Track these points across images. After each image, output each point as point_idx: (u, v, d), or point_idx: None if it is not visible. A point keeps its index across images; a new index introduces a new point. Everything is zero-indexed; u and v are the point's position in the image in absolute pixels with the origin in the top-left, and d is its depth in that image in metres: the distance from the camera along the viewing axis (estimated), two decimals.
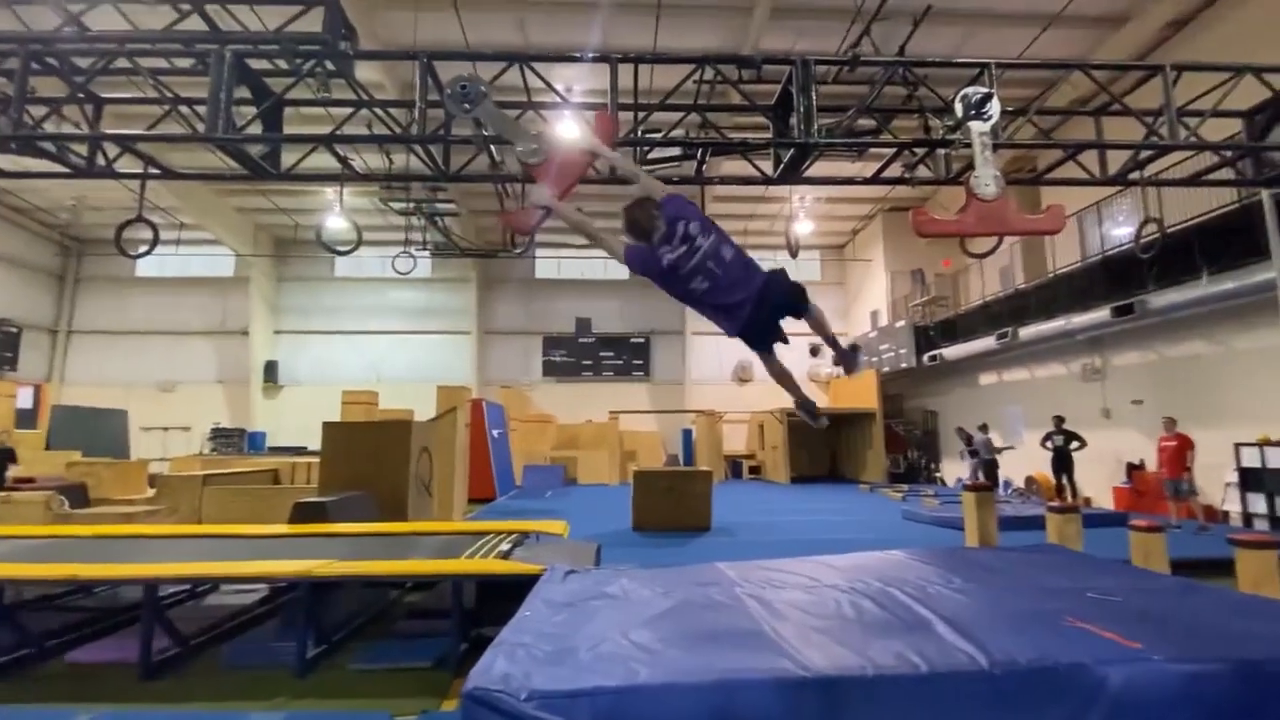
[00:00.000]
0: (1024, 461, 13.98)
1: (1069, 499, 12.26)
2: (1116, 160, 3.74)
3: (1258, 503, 9.27)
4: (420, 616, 4.97)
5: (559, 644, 2.43)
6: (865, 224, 21.54)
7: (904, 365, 18.05)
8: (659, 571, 3.71)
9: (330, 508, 6.14)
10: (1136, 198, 10.91)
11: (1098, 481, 12.36)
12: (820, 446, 20.87)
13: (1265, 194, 3.80)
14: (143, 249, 6.35)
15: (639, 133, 3.62)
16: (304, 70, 3.34)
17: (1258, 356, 9.52)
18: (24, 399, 16.62)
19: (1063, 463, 12.09)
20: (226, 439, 20.00)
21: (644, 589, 3.17)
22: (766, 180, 3.70)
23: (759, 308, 2.89)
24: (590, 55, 3.61)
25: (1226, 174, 3.98)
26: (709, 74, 3.76)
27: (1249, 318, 9.18)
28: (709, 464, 19.68)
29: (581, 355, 21.92)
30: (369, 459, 7.46)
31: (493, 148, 3.56)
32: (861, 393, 19.57)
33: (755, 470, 20.55)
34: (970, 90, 3.11)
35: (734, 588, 3.17)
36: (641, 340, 22.21)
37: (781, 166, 3.63)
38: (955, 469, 16.54)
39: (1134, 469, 11.87)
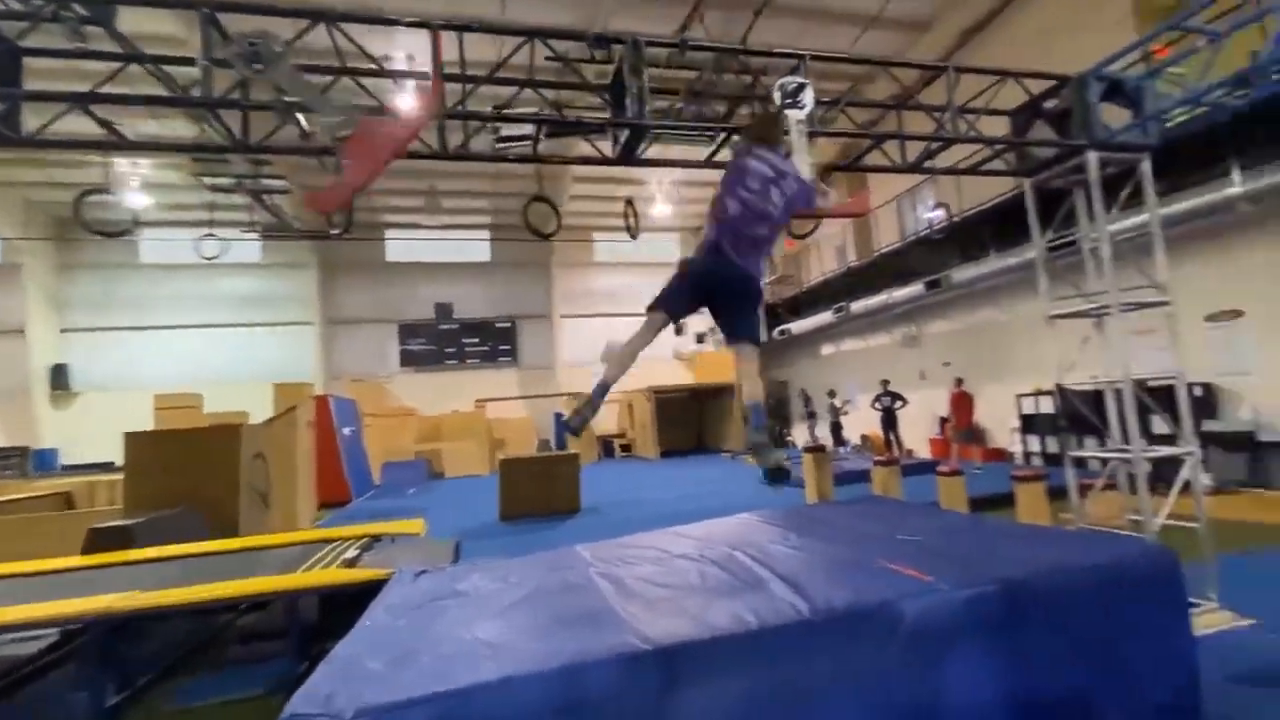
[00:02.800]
0: (863, 421, 15.60)
1: (895, 452, 13.92)
2: (915, 150, 4.20)
3: (1034, 443, 11.11)
4: (255, 640, 4.50)
5: (399, 651, 2.30)
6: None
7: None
8: (513, 561, 3.64)
9: (137, 531, 5.34)
10: (941, 185, 12.44)
11: (918, 435, 14.10)
12: (687, 421, 21.78)
13: (1026, 183, 4.44)
14: None
15: (464, 105, 3.43)
16: (43, 13, 2.74)
17: (1038, 321, 11.31)
18: None
19: (890, 420, 13.67)
20: (3, 460, 16.68)
21: (495, 582, 3.10)
22: (605, 160, 3.70)
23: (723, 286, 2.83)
24: (407, 20, 3.35)
25: (1000, 165, 4.61)
26: (551, 52, 3.66)
27: (1029, 288, 10.89)
28: (580, 446, 19.84)
29: (443, 343, 20.92)
30: (189, 471, 6.57)
31: (300, 117, 3.19)
32: (721, 368, 20.67)
33: (626, 448, 20.99)
34: (786, 80, 3.31)
35: (588, 569, 3.19)
36: (507, 325, 21.64)
37: (619, 147, 3.63)
38: (806, 433, 18.04)
39: (945, 421, 13.65)
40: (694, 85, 3.94)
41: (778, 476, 3.02)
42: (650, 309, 2.92)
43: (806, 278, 18.60)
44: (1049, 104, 4.28)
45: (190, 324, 19.00)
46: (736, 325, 2.93)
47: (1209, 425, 8.40)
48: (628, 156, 3.63)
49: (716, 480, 12.44)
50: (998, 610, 2.47)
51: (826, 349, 18.41)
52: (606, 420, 21.74)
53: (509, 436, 18.90)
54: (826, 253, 17.73)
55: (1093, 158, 3.99)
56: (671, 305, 2.89)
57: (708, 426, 21.56)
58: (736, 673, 2.18)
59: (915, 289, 12.72)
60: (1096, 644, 2.55)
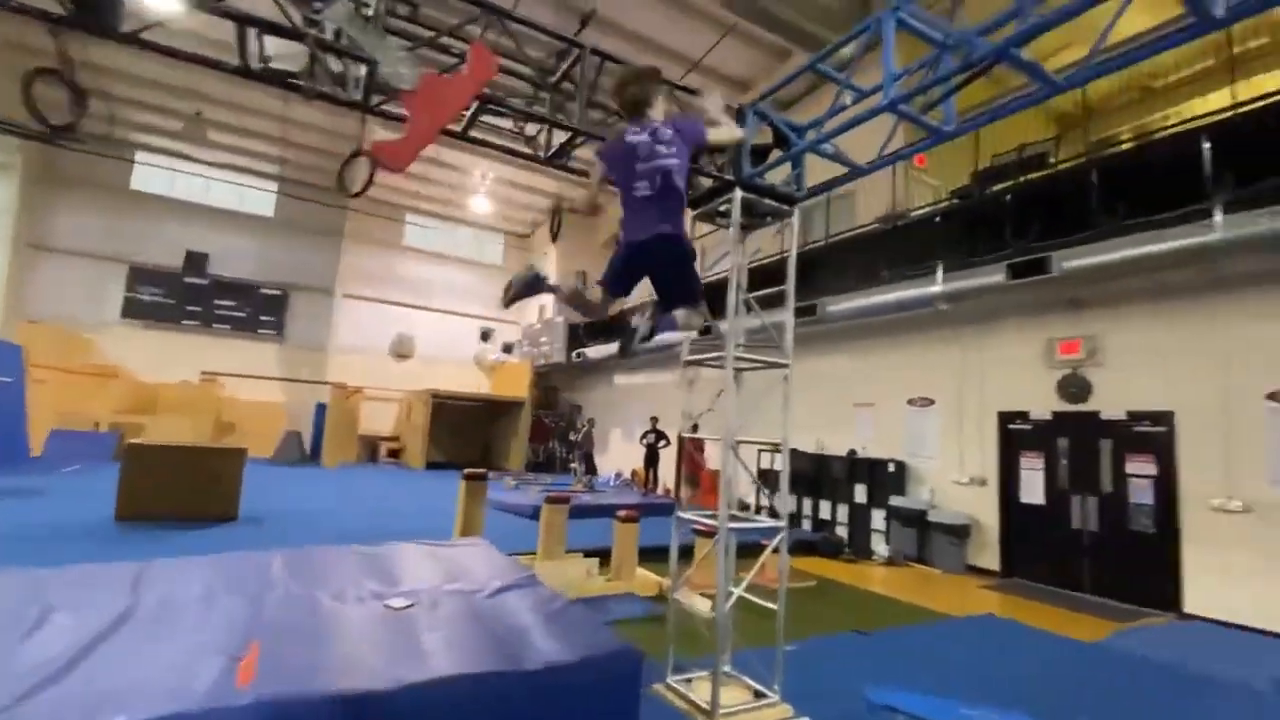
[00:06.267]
0: (638, 455, 15.39)
1: (654, 489, 13.82)
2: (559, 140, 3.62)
3: (767, 497, 11.43)
4: None
5: None
6: (547, 218, 21.81)
7: (556, 360, 18.62)
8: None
9: None
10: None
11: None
12: (473, 433, 20.36)
13: (690, 214, 4.05)
14: None
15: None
16: None
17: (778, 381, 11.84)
18: None
19: (652, 458, 13.56)
20: None
21: None
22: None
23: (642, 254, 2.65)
24: None
25: None
26: None
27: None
28: (340, 444, 17.52)
29: (187, 299, 17.54)
30: None
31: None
32: (520, 383, 19.67)
33: (395, 454, 19.02)
34: None
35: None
36: (277, 293, 18.79)
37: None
38: (600, 461, 17.48)
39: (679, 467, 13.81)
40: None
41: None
42: (599, 283, 2.75)
43: (620, 305, 18.36)
44: None
45: None
46: (672, 293, 2.80)
47: (896, 500, 9.04)
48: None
49: (437, 498, 11.23)
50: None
51: (619, 378, 18.22)
52: (381, 418, 19.62)
53: (245, 421, 16.15)
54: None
55: (737, 196, 3.68)
56: (613, 286, 2.72)
57: (497, 443, 20.28)
58: None
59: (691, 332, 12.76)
60: None
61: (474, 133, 3.70)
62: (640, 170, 2.67)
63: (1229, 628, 5.92)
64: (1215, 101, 7.59)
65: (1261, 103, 6.07)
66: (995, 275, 7.34)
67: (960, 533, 8.19)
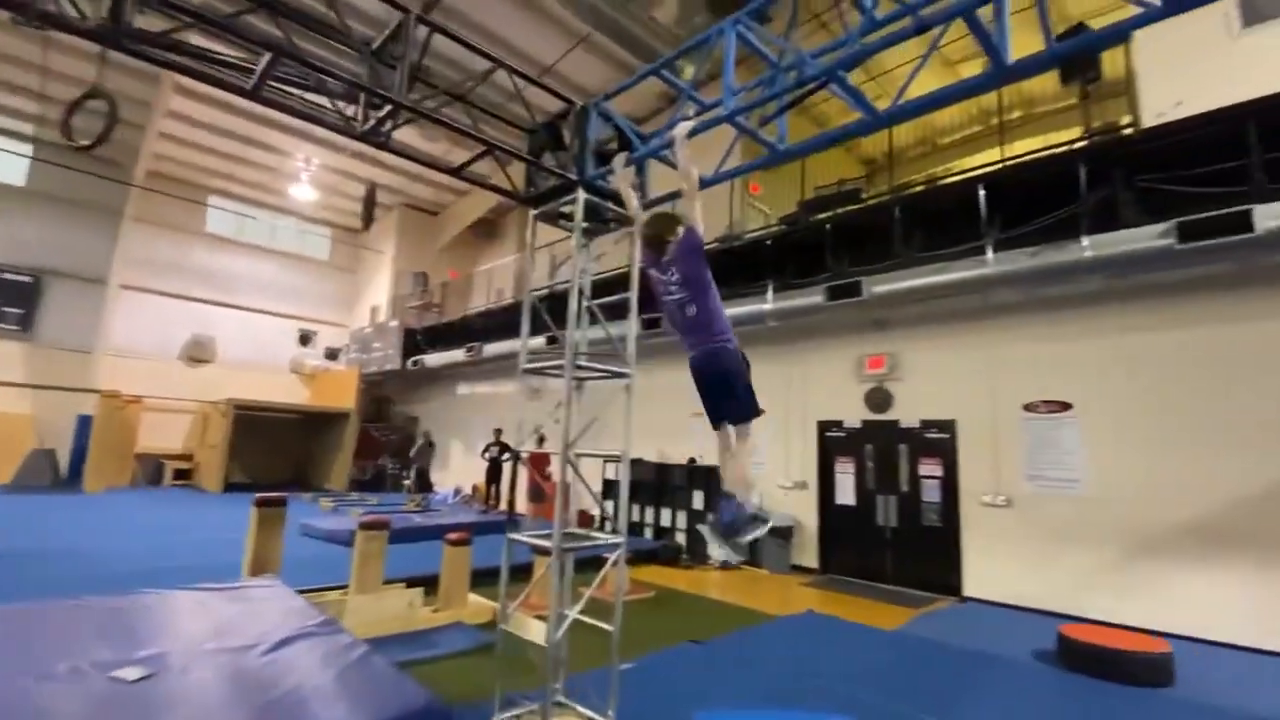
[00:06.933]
0: (481, 470, 14.59)
1: (497, 505, 13.19)
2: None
3: (611, 508, 11.40)
4: None
5: None
6: (383, 214, 20.19)
7: (390, 367, 17.17)
8: None
9: None
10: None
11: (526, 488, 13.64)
12: (286, 449, 18.07)
13: (531, 213, 3.80)
14: None
15: None
16: None
17: (645, 387, 11.97)
18: None
19: (495, 472, 12.95)
20: None
21: None
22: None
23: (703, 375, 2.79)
24: None
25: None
26: None
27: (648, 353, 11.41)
28: (109, 464, 14.52)
29: None
30: None
31: None
32: (343, 392, 17.83)
33: (186, 475, 16.26)
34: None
35: None
36: (28, 280, 15.25)
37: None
38: (440, 476, 16.25)
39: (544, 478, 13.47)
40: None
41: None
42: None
43: (467, 307, 17.16)
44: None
45: None
46: (720, 407, 2.80)
47: None
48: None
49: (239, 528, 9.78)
50: None
51: (462, 389, 17.28)
52: (168, 433, 16.66)
53: None
54: (503, 282, 16.69)
55: (580, 198, 3.54)
56: (710, 415, 2.82)
57: (316, 460, 18.13)
58: None
59: (539, 340, 12.46)
60: None
61: (279, 98, 3.15)
62: (664, 300, 2.92)
63: (999, 607, 6.90)
64: (987, 158, 9.00)
65: (1017, 160, 7.29)
66: (816, 296, 7.99)
67: (786, 534, 8.75)
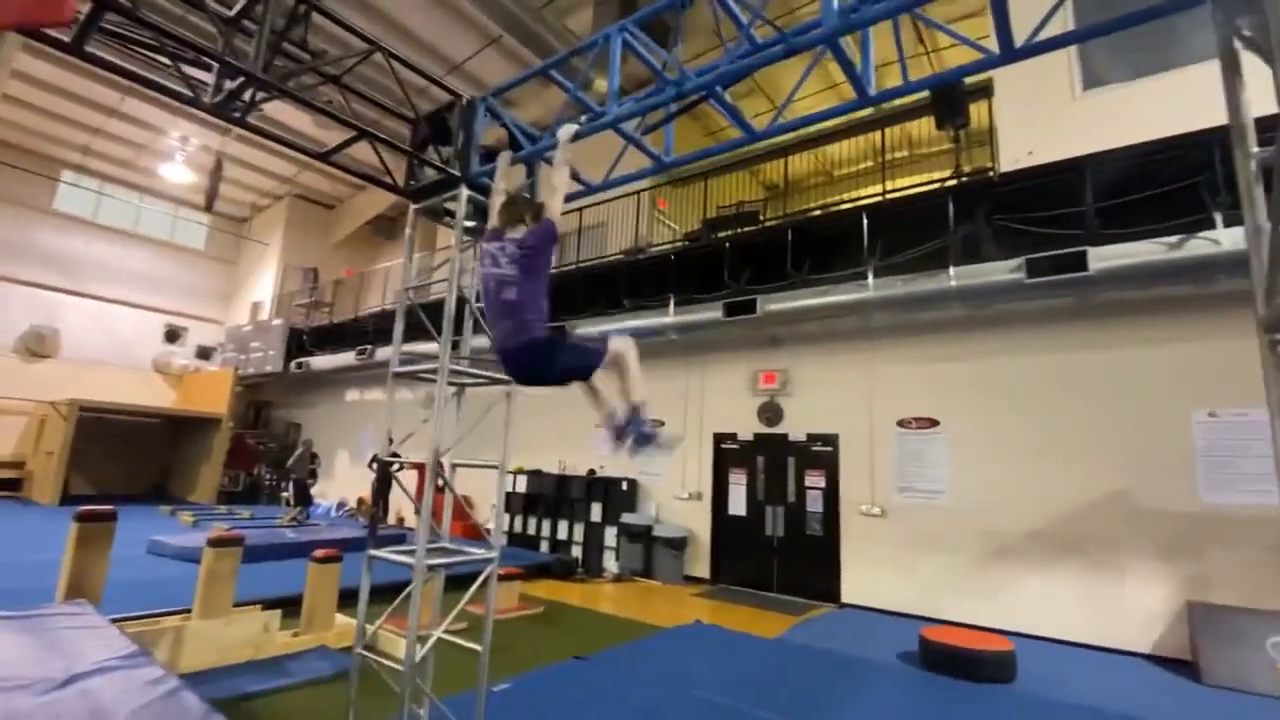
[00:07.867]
0: (367, 482, 13.69)
1: (385, 519, 12.46)
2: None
3: (510, 522, 11.06)
4: None
5: None
6: (271, 203, 18.75)
7: (271, 369, 15.85)
8: None
9: None
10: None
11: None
12: (148, 456, 16.22)
13: (411, 208, 3.61)
14: None
15: None
16: None
17: (533, 397, 11.71)
18: None
19: (385, 484, 12.20)
20: None
21: None
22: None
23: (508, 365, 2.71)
24: None
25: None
26: None
27: None
28: None
29: None
30: None
31: None
32: (215, 396, 16.24)
33: (14, 485, 14.16)
34: None
35: None
36: None
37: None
38: (324, 487, 15.03)
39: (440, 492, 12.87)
40: None
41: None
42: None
43: (361, 308, 16.08)
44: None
45: None
46: (560, 375, 2.76)
47: (627, 517, 9.43)
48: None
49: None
50: None
51: (351, 394, 16.24)
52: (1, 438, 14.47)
53: None
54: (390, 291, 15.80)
55: (463, 195, 3.40)
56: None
57: (181, 469, 16.37)
58: None
59: (432, 345, 11.92)
60: None
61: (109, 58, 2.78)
62: (485, 274, 2.74)
63: (873, 612, 7.29)
64: (872, 190, 9.64)
65: (896, 194, 7.85)
66: (715, 312, 8.19)
67: (679, 545, 8.83)
